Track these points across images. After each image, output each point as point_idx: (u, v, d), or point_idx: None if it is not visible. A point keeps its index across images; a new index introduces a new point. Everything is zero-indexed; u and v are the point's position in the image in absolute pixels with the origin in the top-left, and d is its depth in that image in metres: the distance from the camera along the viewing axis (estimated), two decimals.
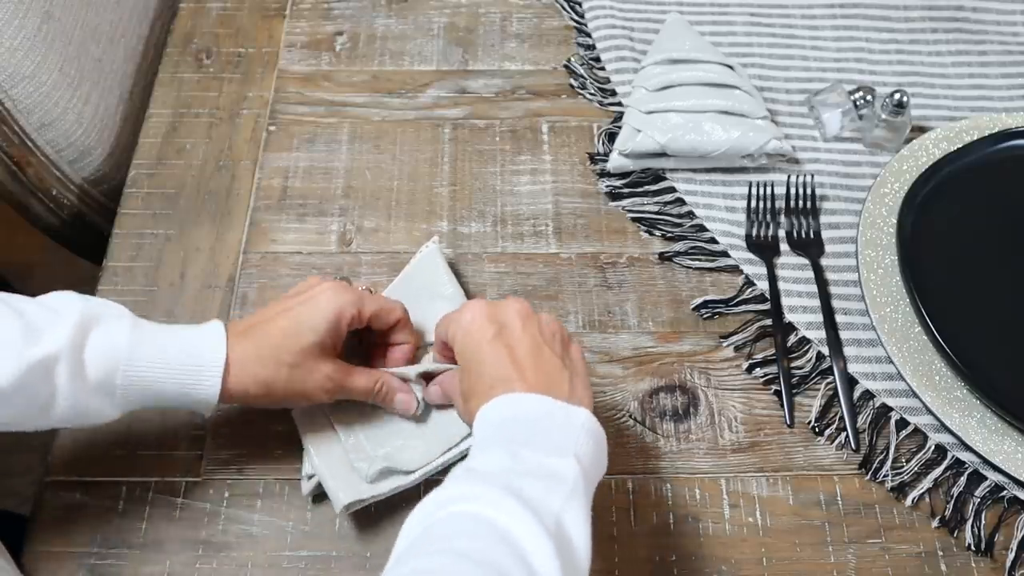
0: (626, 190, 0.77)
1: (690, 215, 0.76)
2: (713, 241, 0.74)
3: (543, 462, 0.47)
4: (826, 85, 0.81)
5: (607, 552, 0.60)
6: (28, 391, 0.51)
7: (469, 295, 0.70)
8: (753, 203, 0.75)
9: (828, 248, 0.74)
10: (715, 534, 0.61)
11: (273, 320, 0.57)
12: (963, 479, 0.63)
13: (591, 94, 0.83)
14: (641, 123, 0.76)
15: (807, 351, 0.69)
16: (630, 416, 0.66)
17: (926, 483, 0.63)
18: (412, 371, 0.62)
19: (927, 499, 0.63)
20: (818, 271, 0.72)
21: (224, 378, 0.55)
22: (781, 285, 0.72)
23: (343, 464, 0.60)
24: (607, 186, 0.77)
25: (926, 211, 0.72)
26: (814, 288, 0.71)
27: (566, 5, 0.90)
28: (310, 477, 0.61)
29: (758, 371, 0.68)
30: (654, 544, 0.61)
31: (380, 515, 0.61)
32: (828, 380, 0.67)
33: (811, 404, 0.67)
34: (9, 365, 0.50)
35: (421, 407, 0.62)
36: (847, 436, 0.65)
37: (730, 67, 0.79)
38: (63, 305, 0.54)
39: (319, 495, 0.61)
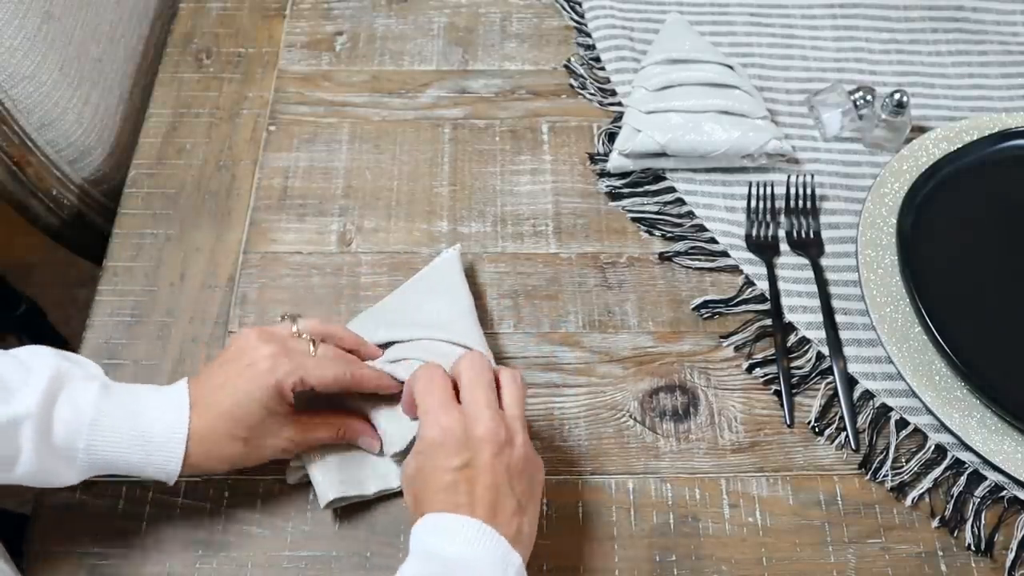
0: (626, 190, 0.77)
1: (690, 215, 0.76)
2: (713, 241, 0.74)
3: None
4: (826, 85, 0.81)
5: (607, 552, 0.60)
6: None
7: (472, 296, 0.69)
8: (753, 203, 0.75)
9: (828, 248, 0.74)
10: (715, 534, 0.61)
11: (220, 392, 0.56)
12: (963, 479, 0.63)
13: (591, 94, 0.83)
14: (641, 123, 0.76)
15: (807, 351, 0.69)
16: (630, 416, 0.66)
17: (926, 483, 0.63)
18: (400, 372, 0.61)
19: (927, 499, 0.63)
20: (818, 271, 0.72)
21: (184, 456, 0.55)
22: (781, 285, 0.72)
23: (334, 461, 0.60)
24: (607, 186, 0.77)
25: (926, 211, 0.72)
26: (814, 288, 0.71)
27: (566, 5, 0.90)
28: (298, 467, 0.61)
29: (758, 371, 0.68)
30: (654, 544, 0.61)
31: (380, 515, 0.61)
32: (828, 380, 0.67)
33: (811, 404, 0.67)
34: None
35: (390, 445, 0.60)
36: (847, 436, 0.65)
37: (730, 67, 0.79)
38: (37, 363, 0.54)
39: (305, 484, 0.61)
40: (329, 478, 0.59)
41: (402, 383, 0.60)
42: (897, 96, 0.76)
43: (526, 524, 0.52)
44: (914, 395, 0.65)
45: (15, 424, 0.51)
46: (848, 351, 0.68)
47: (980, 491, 0.63)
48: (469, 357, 0.56)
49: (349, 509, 0.61)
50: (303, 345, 0.59)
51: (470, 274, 0.72)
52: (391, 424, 0.60)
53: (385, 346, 0.64)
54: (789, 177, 0.76)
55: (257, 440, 0.57)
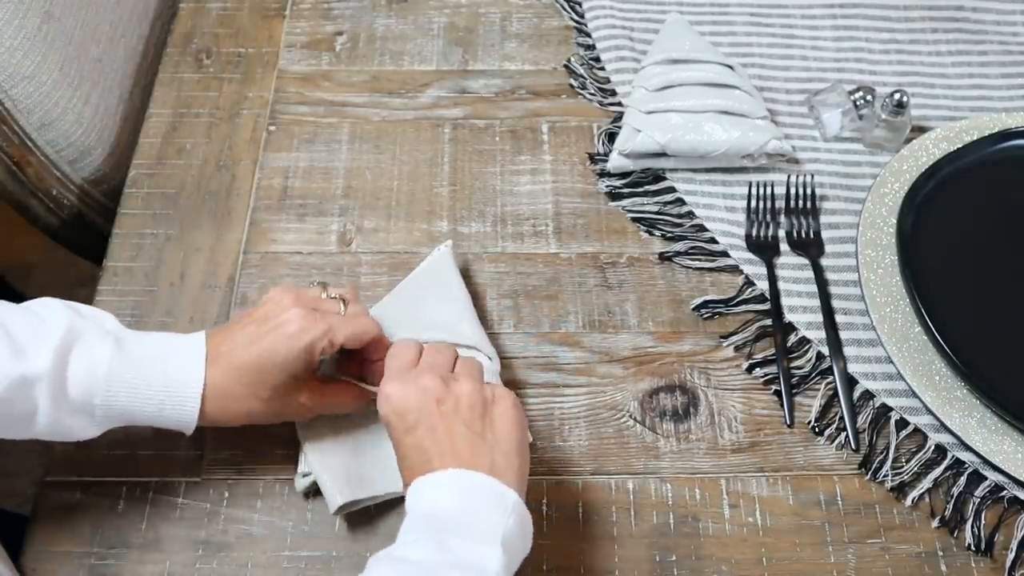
0: (626, 190, 0.77)
1: (690, 215, 0.76)
2: (713, 241, 0.74)
3: (469, 552, 0.47)
4: (826, 85, 0.81)
5: (607, 552, 0.60)
6: (10, 406, 0.52)
7: (472, 296, 0.69)
8: (753, 203, 0.75)
9: (828, 248, 0.74)
10: (715, 534, 0.61)
11: (245, 350, 0.56)
12: (963, 479, 0.63)
13: (591, 94, 0.83)
14: (641, 123, 0.76)
15: (807, 351, 0.69)
16: (630, 416, 0.66)
17: (926, 483, 0.63)
18: None
19: (927, 499, 0.63)
20: (818, 271, 0.72)
21: (201, 407, 0.55)
22: (781, 285, 0.72)
23: (340, 465, 0.60)
24: (607, 186, 0.77)
25: (926, 211, 0.72)
26: (814, 288, 0.71)
27: (566, 5, 0.90)
28: (305, 475, 0.61)
29: (758, 371, 0.68)
30: (654, 544, 0.61)
31: (380, 515, 0.61)
32: (828, 380, 0.67)
33: (811, 404, 0.67)
34: None
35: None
36: (847, 436, 0.65)
37: (730, 67, 0.79)
38: (49, 316, 0.54)
39: (314, 492, 0.61)
40: (338, 484, 0.59)
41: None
42: (897, 96, 0.76)
43: (500, 456, 0.52)
44: (914, 395, 0.65)
45: (30, 383, 0.51)
46: (848, 351, 0.68)
47: (980, 491, 0.63)
48: (429, 346, 0.58)
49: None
50: (333, 305, 0.60)
51: (470, 274, 0.72)
52: None
53: None
54: (789, 177, 0.76)
55: (276, 399, 0.57)
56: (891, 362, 0.66)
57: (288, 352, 0.55)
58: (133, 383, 0.54)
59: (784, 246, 0.74)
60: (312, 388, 0.58)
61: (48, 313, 0.54)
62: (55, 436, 0.54)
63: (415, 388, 0.53)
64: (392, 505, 0.61)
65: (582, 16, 0.89)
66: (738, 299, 0.71)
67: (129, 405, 0.54)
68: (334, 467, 0.60)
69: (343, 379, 0.61)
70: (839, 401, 0.66)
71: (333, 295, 0.61)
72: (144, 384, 0.54)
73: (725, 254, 0.74)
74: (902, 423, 0.66)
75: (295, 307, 0.57)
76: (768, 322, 0.70)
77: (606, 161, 0.78)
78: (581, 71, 0.85)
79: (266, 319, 0.57)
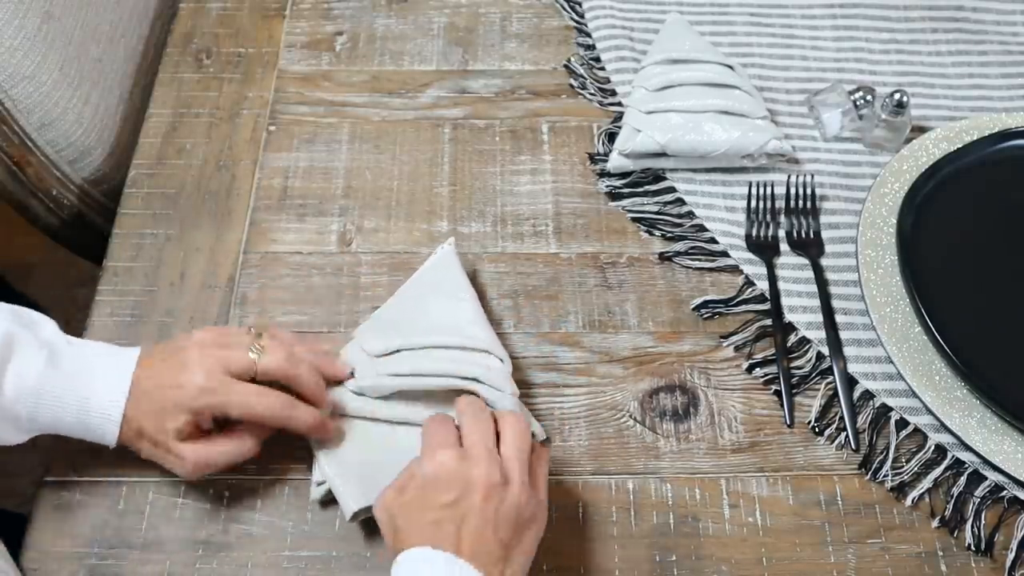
0: (626, 190, 0.77)
1: (690, 215, 0.76)
2: (713, 241, 0.74)
3: None
4: (826, 85, 0.81)
5: (607, 552, 0.60)
6: None
7: None
8: (753, 203, 0.75)
9: (828, 248, 0.74)
10: (715, 534, 0.61)
11: (151, 396, 0.57)
12: (963, 479, 0.63)
13: (591, 94, 0.83)
14: (641, 123, 0.76)
15: (807, 351, 0.69)
16: (630, 416, 0.66)
17: (926, 483, 0.63)
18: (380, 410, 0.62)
19: (927, 499, 0.63)
20: (818, 271, 0.72)
21: (119, 433, 0.57)
22: (781, 285, 0.72)
23: (354, 471, 0.60)
24: (607, 186, 0.77)
25: (926, 211, 0.72)
26: (814, 288, 0.71)
27: (566, 5, 0.90)
28: (320, 483, 0.61)
29: (758, 371, 0.68)
30: (654, 544, 0.61)
31: None
32: (828, 380, 0.67)
33: (811, 404, 0.67)
34: None
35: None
36: (847, 436, 0.65)
37: (730, 67, 0.79)
38: None
39: (330, 501, 0.61)
40: (352, 491, 0.59)
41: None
42: (897, 96, 0.76)
43: (511, 571, 0.51)
44: (914, 395, 0.65)
45: None
46: (848, 351, 0.68)
47: (980, 491, 0.63)
48: (467, 400, 0.57)
49: None
50: (244, 339, 0.59)
51: (470, 275, 0.72)
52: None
53: (392, 354, 0.63)
54: (789, 177, 0.76)
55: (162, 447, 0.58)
56: (891, 362, 0.66)
57: (182, 413, 0.57)
58: (59, 399, 0.55)
59: (784, 246, 0.74)
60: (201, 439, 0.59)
61: None
62: None
63: (479, 468, 0.52)
64: None
65: (582, 16, 0.89)
66: (738, 299, 0.71)
67: (54, 418, 0.56)
68: (348, 474, 0.60)
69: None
70: (839, 401, 0.66)
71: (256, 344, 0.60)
72: (68, 402, 0.56)
73: (725, 254, 0.74)
74: (902, 423, 0.66)
75: (198, 365, 0.57)
76: (768, 322, 0.70)
77: (606, 161, 0.78)
78: (581, 71, 0.85)
79: (177, 369, 0.57)
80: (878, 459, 0.64)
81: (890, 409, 0.66)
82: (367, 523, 0.61)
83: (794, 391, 0.67)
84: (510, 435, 0.55)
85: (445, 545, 0.50)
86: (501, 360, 0.63)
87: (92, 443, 0.58)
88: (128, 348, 0.59)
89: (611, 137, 0.80)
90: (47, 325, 0.59)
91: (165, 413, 0.57)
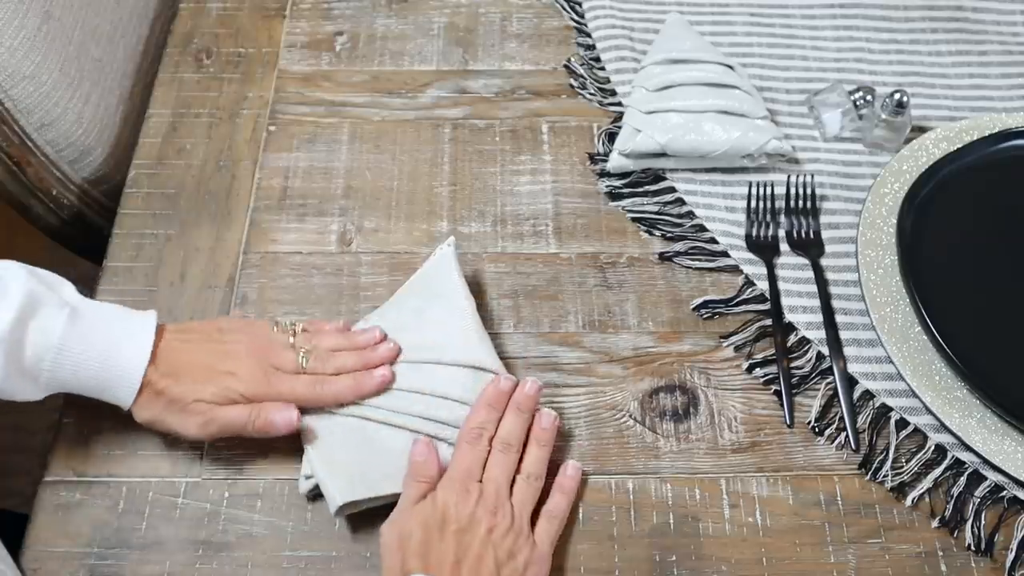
0: (626, 190, 0.77)
1: (690, 215, 0.76)
2: (713, 241, 0.74)
3: None
4: (826, 85, 0.81)
5: (607, 552, 0.60)
6: None
7: (472, 296, 0.69)
8: (753, 203, 0.75)
9: (828, 248, 0.74)
10: (715, 534, 0.61)
11: (184, 374, 0.59)
12: (963, 479, 0.63)
13: (591, 94, 0.83)
14: (641, 123, 0.76)
15: (807, 351, 0.69)
16: (630, 416, 0.66)
17: (926, 483, 0.63)
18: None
19: (927, 499, 0.63)
20: (818, 271, 0.72)
21: (137, 396, 0.58)
22: (781, 285, 0.72)
23: (341, 465, 0.60)
24: (607, 186, 0.77)
25: (926, 211, 0.72)
26: (814, 288, 0.71)
27: (566, 5, 0.90)
28: (308, 477, 0.61)
29: (758, 371, 0.68)
30: (654, 544, 0.61)
31: (380, 516, 0.61)
32: (828, 380, 0.67)
33: (811, 404, 0.67)
34: None
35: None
36: (847, 436, 0.65)
37: (730, 67, 0.79)
38: (11, 284, 0.56)
39: (317, 495, 0.61)
40: (338, 484, 0.59)
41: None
42: (897, 96, 0.76)
43: None
44: (914, 395, 0.65)
45: None
46: (848, 351, 0.68)
47: (980, 491, 0.63)
48: (495, 453, 0.60)
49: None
50: (282, 338, 0.63)
51: (470, 275, 0.72)
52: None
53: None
54: (789, 177, 0.76)
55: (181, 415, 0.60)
56: (891, 362, 0.66)
57: (220, 391, 0.59)
58: (80, 358, 0.56)
59: (784, 246, 0.74)
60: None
61: (10, 277, 0.56)
62: (1, 397, 0.57)
63: (479, 498, 0.57)
64: (393, 507, 0.61)
65: (582, 16, 0.89)
66: (738, 299, 0.71)
67: (73, 377, 0.57)
68: (335, 467, 0.60)
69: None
70: (839, 401, 0.66)
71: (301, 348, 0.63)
72: (90, 360, 0.57)
73: (725, 254, 0.74)
74: (902, 423, 0.66)
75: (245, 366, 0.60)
76: (768, 322, 0.70)
77: (606, 161, 0.78)
78: (581, 71, 0.85)
79: (211, 363, 0.60)
80: (878, 459, 0.64)
81: (890, 409, 0.66)
82: (367, 523, 0.61)
83: (794, 391, 0.67)
84: (520, 487, 0.59)
85: (441, 571, 0.53)
86: (496, 375, 0.63)
87: (92, 440, 0.58)
88: (144, 312, 0.61)
89: (611, 137, 0.80)
90: (67, 285, 0.60)
91: (199, 386, 0.59)
